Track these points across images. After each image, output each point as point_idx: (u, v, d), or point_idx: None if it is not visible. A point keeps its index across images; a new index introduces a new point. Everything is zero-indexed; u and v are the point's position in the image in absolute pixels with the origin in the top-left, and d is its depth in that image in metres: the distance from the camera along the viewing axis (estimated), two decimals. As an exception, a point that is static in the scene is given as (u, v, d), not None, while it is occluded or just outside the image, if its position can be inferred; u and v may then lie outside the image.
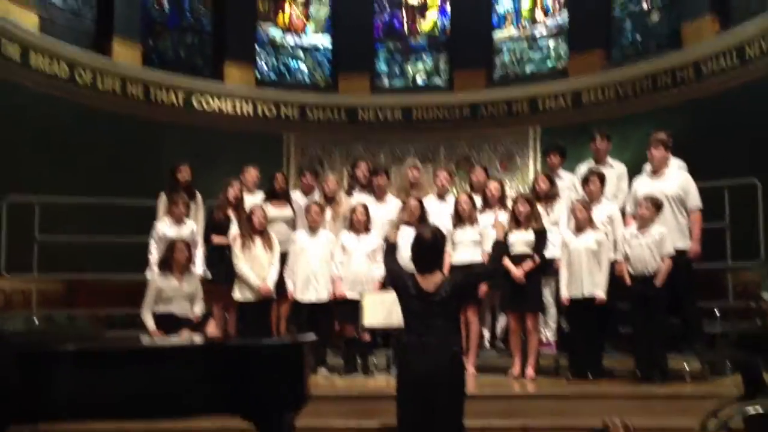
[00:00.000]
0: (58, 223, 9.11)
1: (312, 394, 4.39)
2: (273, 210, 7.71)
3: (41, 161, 10.36)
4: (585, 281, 6.63)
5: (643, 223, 6.51)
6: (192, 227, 7.45)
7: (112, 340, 4.89)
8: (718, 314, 7.11)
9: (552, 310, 7.26)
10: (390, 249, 5.07)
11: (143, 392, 3.75)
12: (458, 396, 4.34)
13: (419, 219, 7.17)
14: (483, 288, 6.91)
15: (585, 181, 7.08)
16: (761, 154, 9.50)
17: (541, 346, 7.10)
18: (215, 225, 7.53)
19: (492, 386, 6.43)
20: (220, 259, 7.40)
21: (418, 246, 4.45)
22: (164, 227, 7.30)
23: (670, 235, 6.53)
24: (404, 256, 6.84)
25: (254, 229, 7.18)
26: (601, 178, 7.06)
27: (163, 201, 7.69)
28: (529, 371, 6.76)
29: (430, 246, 4.43)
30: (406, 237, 7.01)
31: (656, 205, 6.53)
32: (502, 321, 7.52)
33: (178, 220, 7.35)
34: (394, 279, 4.59)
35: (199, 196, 7.99)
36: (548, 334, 7.23)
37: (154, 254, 7.21)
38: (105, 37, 11.97)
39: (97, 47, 11.88)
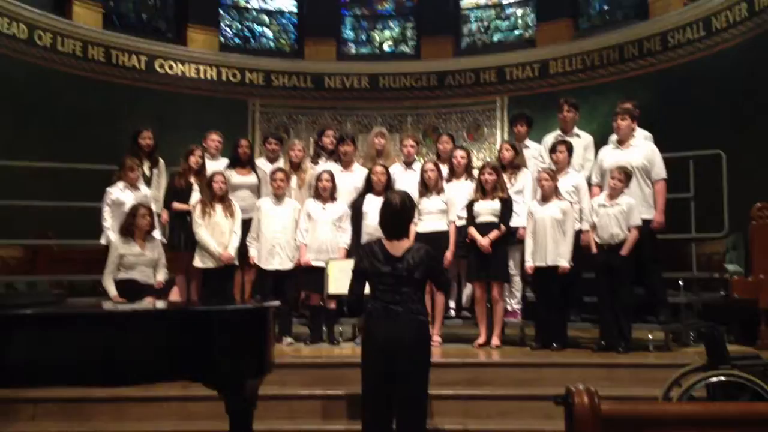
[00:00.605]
0: (17, 187, 8.89)
1: (277, 363, 4.35)
2: (237, 177, 7.60)
3: (0, 124, 10.13)
4: (549, 250, 6.64)
5: (614, 194, 6.52)
6: (146, 192, 7.31)
7: (72, 306, 4.77)
8: (682, 285, 7.17)
9: (517, 279, 7.26)
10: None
11: (104, 357, 3.67)
12: (423, 365, 4.32)
13: (385, 186, 7.10)
14: (448, 257, 6.88)
15: (552, 150, 7.07)
16: (727, 126, 9.60)
17: (507, 315, 7.11)
18: (176, 191, 7.39)
19: (457, 355, 6.42)
20: (181, 226, 7.27)
21: (386, 211, 4.40)
22: (117, 192, 7.15)
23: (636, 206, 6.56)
24: (370, 224, 6.90)
25: (215, 195, 7.05)
26: (569, 148, 7.05)
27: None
28: (495, 340, 6.78)
29: (398, 211, 4.38)
30: (373, 205, 7.02)
31: (627, 176, 6.54)
32: (467, 290, 7.50)
33: (132, 185, 7.20)
34: (362, 250, 4.52)
35: (161, 161, 7.84)
36: (513, 303, 7.24)
37: (108, 220, 7.07)
38: (65, -2, 11.67)
39: (57, 9, 11.60)
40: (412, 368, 4.22)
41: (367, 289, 4.50)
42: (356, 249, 6.56)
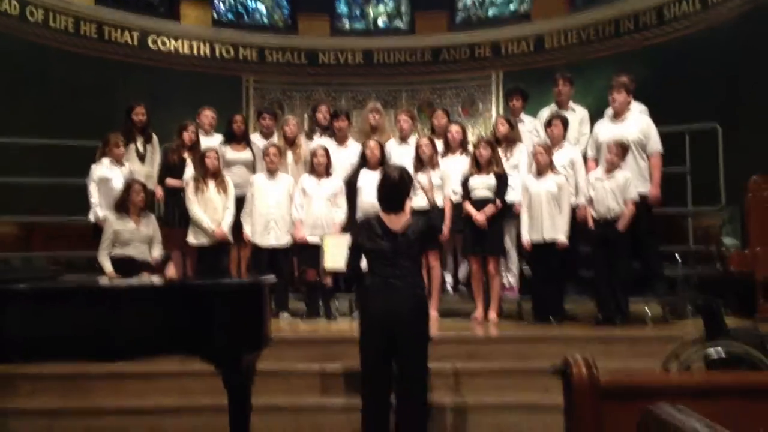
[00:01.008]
0: (11, 164, 8.83)
1: (274, 338, 4.35)
2: (232, 153, 7.56)
3: (-9, 100, 10.05)
4: (546, 225, 6.62)
5: (611, 168, 6.50)
6: (131, 168, 7.28)
7: (68, 281, 4.76)
8: (678, 258, 7.17)
9: (513, 254, 7.25)
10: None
11: (100, 332, 3.66)
12: (422, 339, 4.33)
13: (379, 161, 7.08)
14: (444, 232, 6.87)
15: (548, 125, 7.04)
16: (723, 99, 9.56)
17: (504, 290, 7.12)
18: (170, 167, 7.36)
19: (455, 330, 6.43)
20: (175, 203, 7.25)
21: (385, 185, 4.39)
22: (103, 169, 7.12)
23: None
24: (365, 200, 6.88)
25: (207, 171, 7.02)
26: (564, 122, 7.02)
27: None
28: (492, 315, 6.78)
29: (397, 185, 4.37)
30: (367, 180, 6.99)
31: (624, 150, 6.52)
32: (464, 266, 7.50)
33: (118, 161, 7.16)
34: (360, 226, 4.51)
35: (155, 137, 7.79)
36: (510, 278, 7.24)
37: (95, 196, 7.07)
38: (56, -26, 11.53)
39: (48, -17, 11.45)
40: (411, 342, 4.23)
41: (364, 264, 4.50)
42: (353, 224, 6.56)
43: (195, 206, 6.97)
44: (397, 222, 4.30)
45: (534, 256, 6.82)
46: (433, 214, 6.62)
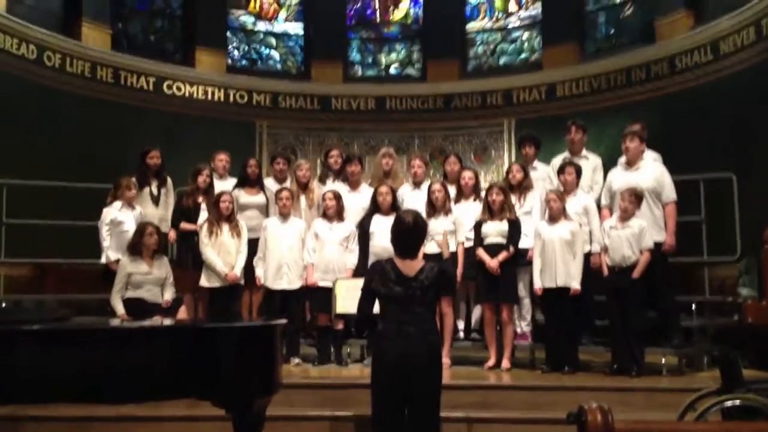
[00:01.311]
0: (26, 207, 8.87)
1: (285, 383, 4.30)
2: (245, 196, 7.58)
3: (8, 143, 10.15)
4: (559, 271, 6.58)
5: (625, 216, 6.48)
6: (140, 211, 7.31)
7: (79, 322, 4.74)
8: (694, 309, 7.10)
9: (526, 302, 7.20)
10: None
11: (110, 374, 3.62)
12: (435, 386, 4.27)
13: (391, 206, 7.08)
14: (457, 278, 6.83)
15: (560, 171, 7.05)
16: (736, 149, 9.55)
17: (517, 338, 7.05)
18: (184, 211, 7.39)
19: (467, 377, 6.36)
20: (188, 246, 7.27)
21: (399, 230, 4.35)
22: (115, 212, 7.16)
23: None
24: (377, 244, 6.86)
25: (221, 215, 7.04)
26: (578, 170, 7.03)
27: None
28: (505, 363, 6.71)
29: (411, 230, 4.34)
30: (380, 225, 6.98)
31: (638, 198, 6.50)
32: (476, 312, 7.45)
33: (129, 204, 7.20)
34: (372, 270, 4.46)
35: (169, 180, 7.85)
36: (523, 325, 7.17)
37: (107, 239, 7.11)
38: (74, 20, 11.74)
39: (66, 30, 11.65)
40: (424, 389, 4.17)
41: (375, 308, 4.46)
42: (366, 268, 6.54)
43: (209, 249, 6.98)
44: (411, 267, 4.27)
45: (546, 302, 6.78)
46: (445, 259, 6.59)
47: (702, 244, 7.51)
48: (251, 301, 7.37)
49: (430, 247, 6.79)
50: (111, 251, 7.08)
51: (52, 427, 5.37)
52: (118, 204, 7.21)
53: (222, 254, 7.00)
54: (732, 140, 9.75)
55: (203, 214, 7.31)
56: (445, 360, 6.71)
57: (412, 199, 7.44)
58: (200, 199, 7.40)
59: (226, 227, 7.07)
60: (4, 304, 7.10)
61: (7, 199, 8.32)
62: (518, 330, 7.08)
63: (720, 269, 8.36)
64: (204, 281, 7.05)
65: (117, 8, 12.63)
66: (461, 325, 7.45)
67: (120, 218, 7.13)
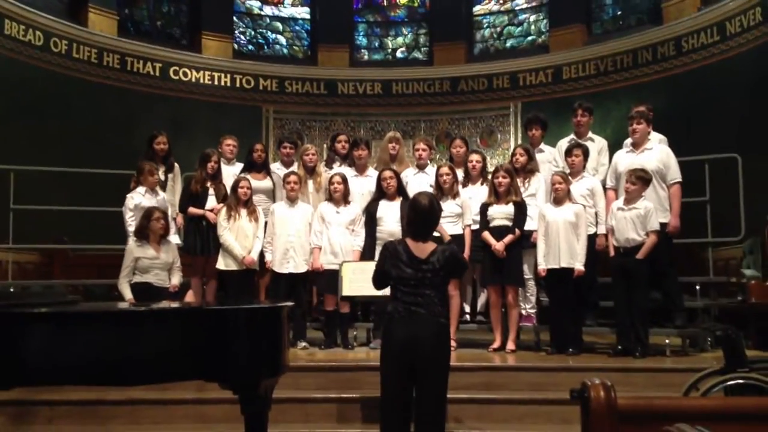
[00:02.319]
0: (33, 193, 8.93)
1: (291, 366, 4.34)
2: (253, 181, 7.58)
3: (16, 129, 10.23)
4: (563, 253, 6.59)
5: (631, 197, 6.49)
6: (163, 196, 7.36)
7: (87, 305, 4.79)
8: (698, 289, 7.12)
9: (531, 284, 7.22)
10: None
11: (119, 357, 3.66)
12: (442, 367, 4.30)
13: (396, 191, 7.10)
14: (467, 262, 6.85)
15: (568, 154, 7.04)
16: (741, 129, 9.54)
17: (522, 320, 7.07)
18: (192, 196, 7.42)
19: (473, 359, 6.40)
20: (196, 231, 7.31)
21: (415, 212, 4.38)
22: (139, 197, 7.20)
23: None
24: (385, 229, 6.90)
25: (240, 200, 7.11)
26: (585, 152, 7.02)
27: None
28: (510, 345, 6.74)
29: (427, 212, 4.37)
30: (387, 210, 7.01)
31: (644, 180, 6.50)
32: (482, 295, 7.48)
33: (152, 190, 7.25)
34: (385, 250, 4.49)
35: (176, 166, 7.88)
36: (528, 308, 7.20)
37: (132, 225, 7.10)
38: (80, 6, 11.79)
39: (72, 16, 11.70)
40: (431, 370, 4.20)
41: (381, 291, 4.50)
42: (370, 252, 6.58)
43: (227, 233, 7.05)
44: (422, 250, 4.30)
45: (550, 283, 6.80)
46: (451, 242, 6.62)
47: (706, 225, 7.51)
48: (258, 285, 7.43)
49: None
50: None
51: (63, 410, 5.44)
52: (141, 189, 7.24)
53: (239, 238, 7.07)
54: (738, 120, 9.74)
55: (211, 199, 7.35)
56: (452, 342, 6.78)
57: (417, 182, 7.45)
58: (209, 184, 7.43)
59: (243, 212, 7.13)
60: (12, 289, 7.16)
61: (15, 185, 8.36)
62: (523, 312, 7.11)
63: (724, 250, 8.37)
64: (220, 264, 7.12)
65: (124, -7, 12.67)
66: (467, 307, 7.49)
67: (144, 203, 7.13)
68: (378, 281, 4.46)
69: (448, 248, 4.46)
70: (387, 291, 4.44)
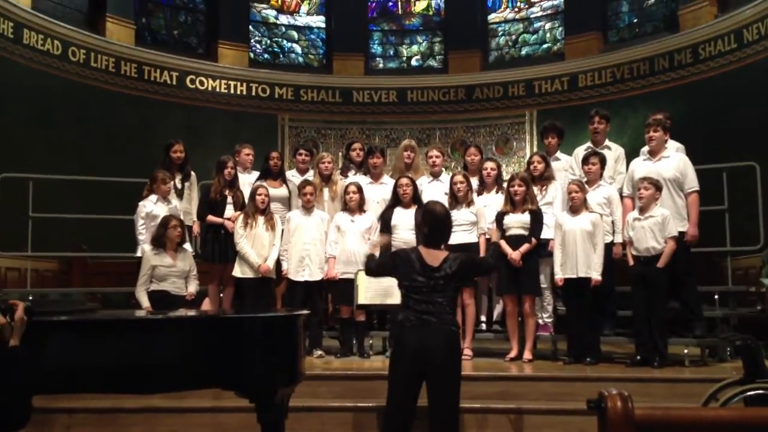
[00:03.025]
0: (52, 201, 9.00)
1: (307, 375, 4.35)
2: (268, 189, 7.62)
3: (34, 138, 10.31)
4: (580, 262, 6.55)
5: (645, 205, 6.45)
6: (176, 205, 7.39)
7: (105, 313, 4.81)
8: (717, 299, 7.06)
9: (548, 293, 7.19)
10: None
11: (137, 364, 3.68)
12: (454, 376, 4.28)
13: (412, 198, 7.10)
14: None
15: (585, 162, 7.00)
16: (759, 137, 9.48)
17: (538, 329, 7.03)
18: (210, 204, 7.45)
19: (489, 368, 6.37)
20: (214, 238, 7.33)
21: (430, 219, 4.39)
22: (151, 205, 7.23)
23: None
24: (399, 237, 6.89)
25: (257, 208, 7.12)
26: (601, 160, 6.99)
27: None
28: (527, 354, 6.70)
29: (441, 220, 4.39)
30: (402, 218, 7.01)
31: (655, 186, 6.47)
32: (499, 304, 7.45)
33: (164, 198, 7.28)
34: (396, 256, 4.50)
35: (193, 174, 7.91)
36: (545, 317, 7.16)
37: (144, 233, 7.15)
38: (98, 15, 11.89)
39: (90, 25, 11.80)
40: (443, 378, 4.19)
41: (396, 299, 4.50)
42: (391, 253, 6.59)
43: (243, 240, 7.06)
44: (435, 257, 4.30)
45: (567, 293, 6.76)
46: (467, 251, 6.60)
47: (725, 234, 7.45)
48: (275, 293, 7.44)
49: (453, 238, 6.77)
50: (146, 245, 7.12)
51: (81, 418, 5.46)
52: (153, 197, 7.28)
53: (256, 246, 7.08)
54: (756, 128, 9.67)
55: (229, 208, 7.38)
56: (467, 351, 6.76)
57: (431, 190, 7.46)
58: (227, 192, 7.45)
59: (261, 220, 7.15)
60: (31, 297, 7.20)
61: (33, 194, 8.43)
62: (540, 321, 7.08)
63: (743, 259, 8.31)
64: (237, 271, 7.13)
65: (141, 3, 12.77)
66: (483, 316, 7.46)
67: (156, 212, 7.16)
68: (375, 270, 4.49)
69: (461, 255, 4.46)
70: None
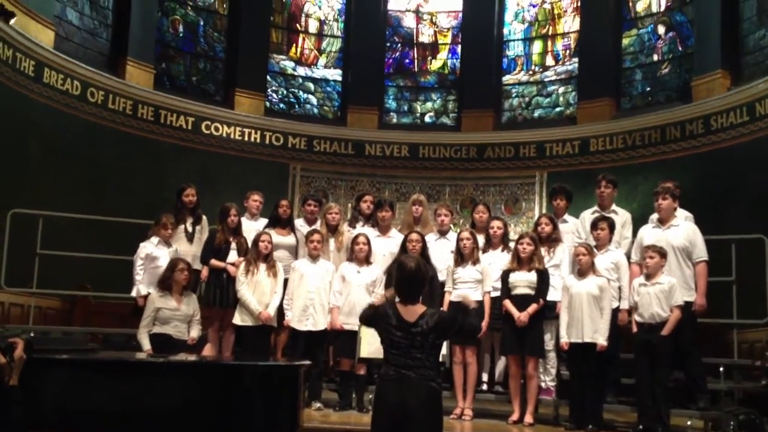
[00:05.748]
0: (61, 240, 9.03)
1: (305, 427, 4.30)
2: (276, 237, 7.64)
3: (48, 176, 10.40)
4: (586, 327, 6.51)
5: (651, 272, 6.44)
6: (177, 248, 7.41)
7: (105, 353, 4.80)
8: (722, 371, 6.99)
9: (552, 356, 7.13)
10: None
11: (136, 407, 3.67)
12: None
13: (420, 254, 7.09)
14: (483, 328, 6.78)
15: (594, 227, 7.01)
16: (768, 210, 9.47)
17: (541, 393, 6.96)
18: (214, 249, 7.47)
19: (489, 430, 6.30)
20: (216, 283, 7.34)
21: (401, 274, 4.37)
22: (151, 247, 7.28)
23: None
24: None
25: (260, 254, 7.13)
26: (610, 225, 7.00)
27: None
28: (528, 418, 6.61)
29: (412, 275, 4.33)
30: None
31: (660, 254, 6.46)
32: (500, 364, 7.39)
33: (165, 242, 7.31)
34: (376, 311, 4.48)
35: (204, 218, 7.96)
36: (548, 380, 7.09)
37: (141, 274, 7.21)
38: (118, 58, 12.08)
39: (111, 68, 11.98)
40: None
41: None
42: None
43: (244, 287, 7.06)
44: (412, 313, 4.26)
45: (572, 357, 6.70)
46: (472, 309, 6.56)
47: (732, 306, 7.41)
48: (276, 342, 7.40)
49: (457, 296, 6.78)
50: (142, 285, 7.19)
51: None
52: (155, 239, 7.34)
53: (257, 293, 7.07)
54: (766, 202, 9.67)
55: (233, 254, 7.39)
56: (468, 411, 6.69)
57: (438, 247, 7.48)
58: (231, 238, 7.48)
59: (263, 267, 7.16)
60: (32, 334, 7.20)
61: (42, 231, 8.47)
62: (542, 384, 7.01)
63: (749, 332, 8.24)
64: (237, 319, 7.12)
65: (162, 48, 12.99)
66: (485, 376, 7.40)
67: (155, 254, 7.23)
68: (364, 321, 4.51)
69: (437, 312, 4.42)
70: None
